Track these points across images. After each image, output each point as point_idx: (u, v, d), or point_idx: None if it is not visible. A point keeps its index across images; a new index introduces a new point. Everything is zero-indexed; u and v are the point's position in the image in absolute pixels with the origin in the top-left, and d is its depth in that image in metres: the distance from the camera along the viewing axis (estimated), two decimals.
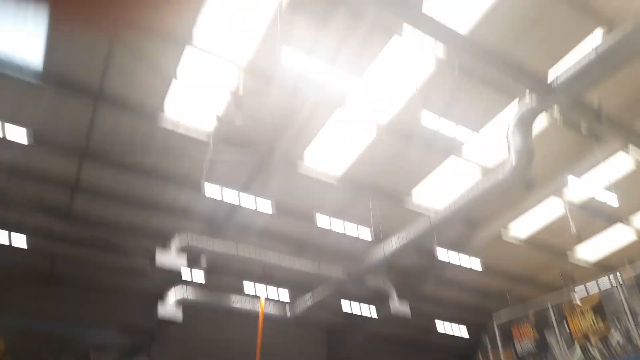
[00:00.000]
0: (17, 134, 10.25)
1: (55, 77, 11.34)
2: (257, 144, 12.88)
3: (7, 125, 10.66)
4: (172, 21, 9.82)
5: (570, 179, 12.50)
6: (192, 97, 11.34)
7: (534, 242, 18.41)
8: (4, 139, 12.23)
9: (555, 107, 10.31)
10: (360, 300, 21.28)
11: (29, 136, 10.27)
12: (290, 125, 12.77)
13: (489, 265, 19.17)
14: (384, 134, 13.29)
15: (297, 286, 20.15)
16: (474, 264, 15.82)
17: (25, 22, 10.27)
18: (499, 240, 17.90)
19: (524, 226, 17.65)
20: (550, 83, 9.54)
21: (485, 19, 10.72)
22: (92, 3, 2.53)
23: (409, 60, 11.62)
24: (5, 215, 15.39)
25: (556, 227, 17.22)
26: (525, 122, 10.49)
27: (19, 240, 15.60)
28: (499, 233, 16.58)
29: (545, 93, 9.60)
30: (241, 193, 12.93)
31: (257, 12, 10.43)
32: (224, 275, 18.91)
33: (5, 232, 14.87)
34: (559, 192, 14.72)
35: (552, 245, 18.60)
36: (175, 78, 11.20)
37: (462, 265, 16.20)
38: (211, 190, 14.61)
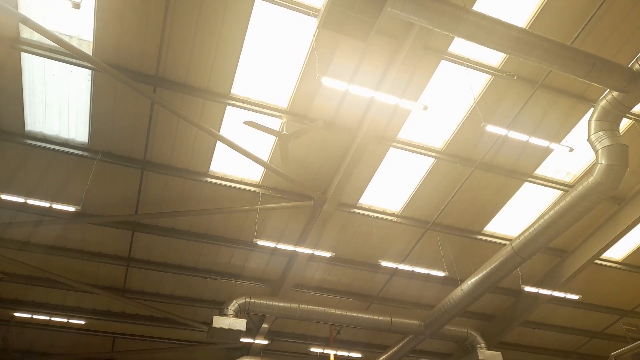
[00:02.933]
0: (67, 208, 10.01)
1: (102, 148, 11.25)
2: (308, 189, 12.03)
3: (57, 200, 10.60)
4: (211, 79, 9.68)
5: None
6: (238, 150, 10.83)
7: (636, 262, 15.99)
8: (55, 214, 12.23)
9: None
10: (440, 356, 19.18)
11: (78, 209, 10.00)
12: (342, 163, 11.90)
13: (585, 296, 16.87)
14: (444, 159, 12.09)
15: (369, 344, 18.49)
16: (568, 295, 13.67)
17: (69, 99, 10.34)
18: (594, 266, 15.68)
19: (620, 245, 15.38)
20: (635, 72, 8.21)
21: (538, 18, 9.68)
22: None
23: (463, 78, 10.63)
24: (65, 298, 15.21)
25: None
26: (610, 124, 9.07)
27: (79, 323, 15.33)
28: (593, 259, 14.44)
29: (631, 86, 8.23)
30: (297, 247, 11.96)
31: (293, 52, 9.95)
32: (289, 339, 17.60)
33: (65, 317, 14.57)
34: None
35: None
36: (219, 133, 10.80)
37: (554, 296, 14.01)
38: (265, 246, 13.84)
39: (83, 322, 15.18)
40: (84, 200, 12.30)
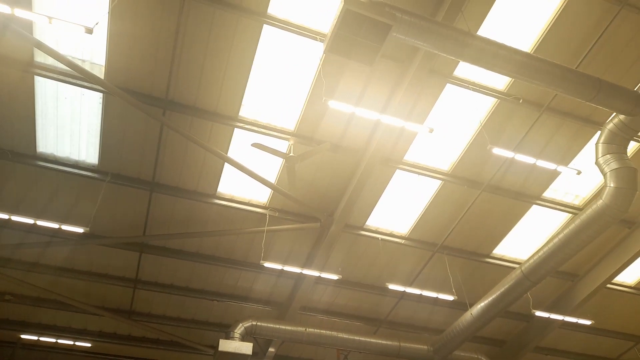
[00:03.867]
0: (76, 230, 10.10)
1: (111, 170, 11.40)
2: (315, 211, 12.04)
3: (67, 221, 10.67)
4: (219, 102, 9.86)
5: None
6: (245, 172, 10.92)
7: None
8: (63, 236, 12.32)
9: None
10: None
11: (87, 231, 10.09)
12: (349, 185, 11.93)
13: (598, 321, 16.54)
14: (450, 181, 12.07)
15: None
16: (580, 320, 13.38)
17: (80, 122, 10.55)
18: (606, 290, 15.38)
19: (633, 269, 15.10)
20: None
21: (543, 42, 9.78)
22: None
23: (469, 102, 10.70)
24: (71, 320, 15.17)
25: None
26: (618, 147, 9.05)
27: (85, 346, 15.25)
28: (604, 283, 14.18)
29: (638, 109, 8.22)
30: (304, 269, 11.91)
31: (300, 76, 10.11)
32: None
33: (71, 339, 14.50)
34: None
35: None
36: (227, 155, 10.91)
37: (566, 321, 13.71)
38: (271, 268, 13.78)
39: (89, 345, 15.08)
40: (92, 221, 12.39)
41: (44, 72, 9.55)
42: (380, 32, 6.90)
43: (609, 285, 15.10)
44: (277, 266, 11.56)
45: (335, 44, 7.11)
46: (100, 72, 9.81)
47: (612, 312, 16.30)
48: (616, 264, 13.71)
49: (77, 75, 9.72)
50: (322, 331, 13.40)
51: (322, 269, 13.41)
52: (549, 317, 13.51)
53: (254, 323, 12.81)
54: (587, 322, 13.48)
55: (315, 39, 9.44)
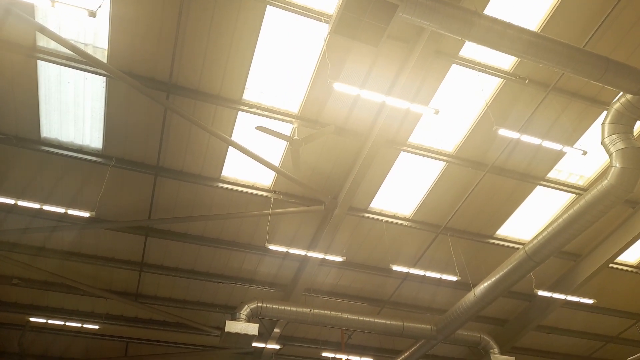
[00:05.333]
0: (82, 214, 10.15)
1: (116, 154, 11.40)
2: (319, 194, 12.06)
3: (72, 205, 10.70)
4: (223, 85, 9.77)
5: None
6: (250, 155, 10.91)
7: None
8: (69, 220, 12.40)
9: None
10: None
11: (93, 215, 10.14)
12: (353, 168, 11.93)
13: (600, 300, 16.71)
14: (455, 163, 12.06)
15: (380, 349, 18.42)
16: (582, 299, 13.51)
17: (84, 106, 10.51)
18: (608, 269, 15.50)
19: (635, 248, 15.19)
20: None
21: (550, 21, 9.65)
22: None
23: (474, 83, 10.62)
24: (78, 303, 15.37)
25: None
26: (624, 127, 9.00)
27: (93, 328, 15.48)
28: (607, 262, 14.28)
29: None
30: (309, 251, 11.99)
31: (304, 58, 10.02)
32: (301, 344, 17.59)
33: (79, 322, 14.69)
34: None
35: None
36: (231, 139, 10.88)
37: (568, 300, 13.85)
38: (276, 250, 13.89)
39: (97, 327, 15.30)
40: (98, 205, 12.45)
41: (46, 57, 9.48)
42: (386, 12, 6.81)
43: (611, 265, 15.22)
44: (282, 249, 11.65)
45: (341, 25, 7.03)
46: (103, 56, 9.74)
47: (613, 291, 16.45)
48: (619, 243, 13.78)
49: (80, 60, 9.65)
50: (326, 312, 13.57)
51: (326, 251, 13.51)
52: (551, 296, 13.62)
53: (259, 304, 12.97)
54: (589, 301, 13.62)
55: (320, 20, 9.33)
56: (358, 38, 7.26)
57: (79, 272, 14.36)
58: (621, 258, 15.36)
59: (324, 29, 9.57)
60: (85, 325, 14.77)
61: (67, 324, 14.81)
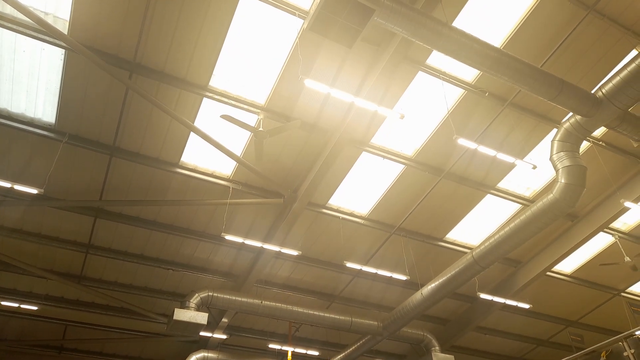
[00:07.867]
0: (29, 190, 9.66)
1: (69, 130, 10.91)
2: (279, 187, 12.08)
3: (19, 180, 10.15)
4: (190, 69, 9.55)
5: (626, 204, 11.36)
6: (211, 143, 10.75)
7: (583, 276, 16.90)
8: (15, 195, 11.78)
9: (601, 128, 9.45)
10: (395, 357, 19.65)
11: (41, 192, 9.67)
12: (315, 164, 12.01)
13: (535, 305, 17.72)
14: (413, 166, 12.41)
15: (327, 342, 18.73)
16: (519, 303, 14.32)
17: (39, 78, 9.97)
18: (545, 277, 16.46)
19: (571, 259, 16.21)
20: (598, 99, 8.71)
21: (514, 38, 10.11)
22: None
23: (437, 91, 10.95)
24: (17, 282, 14.65)
25: (607, 257, 15.83)
26: (572, 146, 9.59)
27: (30, 309, 14.80)
28: (545, 271, 15.18)
29: (593, 111, 8.73)
30: (265, 243, 12.00)
31: (275, 50, 9.97)
32: (248, 335, 17.59)
33: (16, 302, 14.01)
34: (610, 221, 13.45)
35: (605, 278, 17.08)
36: (193, 125, 10.67)
37: (507, 304, 14.62)
38: (232, 241, 13.78)
39: (35, 308, 14.62)
40: (47, 182, 11.89)
41: (1, 22, 8.93)
42: (363, 15, 6.92)
43: (548, 273, 16.18)
44: (238, 239, 11.58)
45: (317, 23, 7.07)
46: (64, 27, 9.28)
47: (549, 298, 17.52)
48: (557, 253, 14.69)
49: (39, 29, 9.15)
50: (277, 304, 13.64)
51: (282, 244, 13.58)
52: (492, 299, 14.36)
53: (210, 294, 12.87)
54: (526, 306, 14.45)
55: (294, 14, 9.31)
56: (333, 37, 7.32)
57: (20, 250, 13.68)
58: (558, 267, 16.36)
59: (297, 23, 9.56)
60: (22, 306, 14.11)
61: (4, 303, 14.10)
